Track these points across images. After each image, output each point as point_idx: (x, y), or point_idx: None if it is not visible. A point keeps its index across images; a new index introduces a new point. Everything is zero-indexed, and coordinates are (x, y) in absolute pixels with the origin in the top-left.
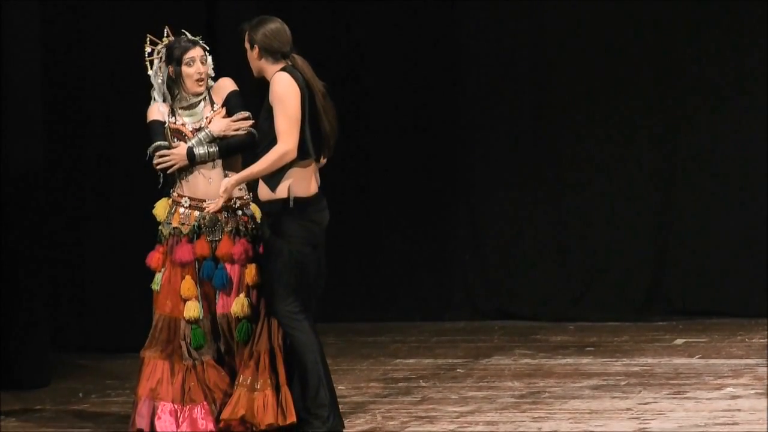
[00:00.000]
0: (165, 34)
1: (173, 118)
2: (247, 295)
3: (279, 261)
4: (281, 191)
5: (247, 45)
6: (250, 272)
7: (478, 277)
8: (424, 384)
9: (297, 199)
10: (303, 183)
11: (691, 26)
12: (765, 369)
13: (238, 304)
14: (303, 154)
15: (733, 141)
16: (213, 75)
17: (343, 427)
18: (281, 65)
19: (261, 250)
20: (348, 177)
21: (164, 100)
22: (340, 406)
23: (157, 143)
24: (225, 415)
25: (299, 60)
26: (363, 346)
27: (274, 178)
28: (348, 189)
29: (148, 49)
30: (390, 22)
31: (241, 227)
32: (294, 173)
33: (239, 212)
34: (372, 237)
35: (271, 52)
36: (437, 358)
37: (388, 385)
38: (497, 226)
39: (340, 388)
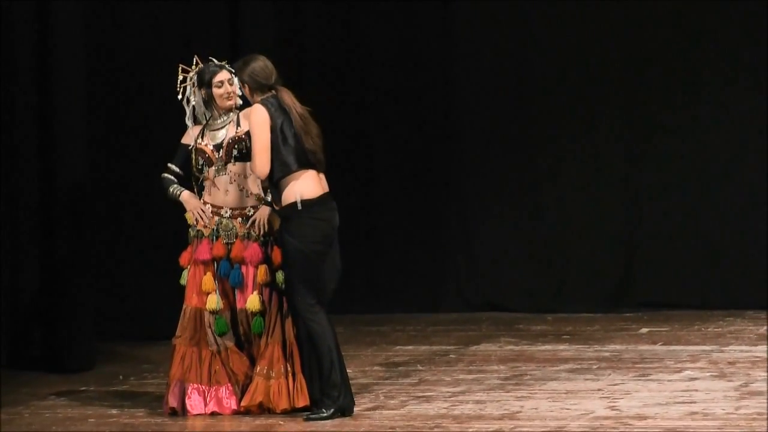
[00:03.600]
0: (194, 63)
1: (201, 139)
2: (260, 293)
3: (295, 260)
4: (290, 197)
5: (237, 85)
6: (261, 272)
7: (469, 274)
8: (420, 368)
9: (304, 201)
10: (308, 187)
11: (658, 40)
12: (719, 354)
13: (252, 301)
14: (288, 167)
15: (698, 143)
16: (240, 94)
17: (354, 405)
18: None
19: (273, 252)
20: (350, 184)
21: (195, 123)
22: None
23: (166, 176)
24: (245, 402)
25: (283, 91)
26: (367, 334)
27: (282, 189)
28: (351, 196)
29: (180, 77)
30: (386, 26)
31: (252, 232)
32: (298, 181)
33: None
34: (374, 239)
35: (259, 87)
36: (432, 345)
37: (389, 369)
38: (485, 229)
39: (348, 371)
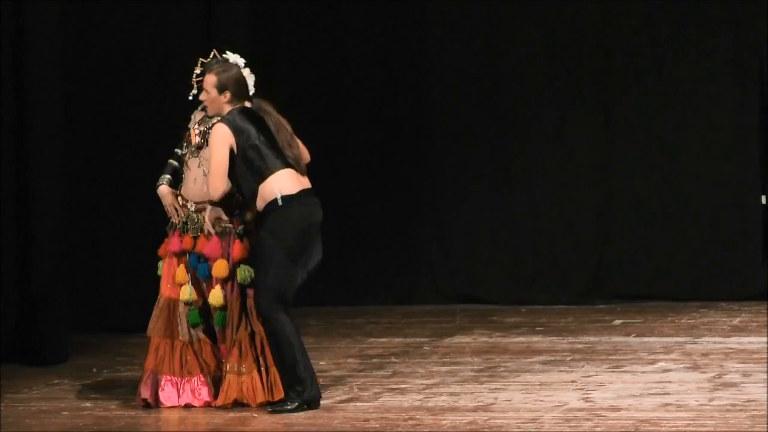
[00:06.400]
0: (212, 55)
1: (198, 124)
2: (222, 287)
3: (268, 258)
4: (269, 195)
5: (212, 89)
6: (219, 267)
7: (443, 267)
8: (395, 360)
9: (284, 197)
10: (286, 183)
11: (623, 28)
12: (692, 346)
13: (214, 295)
14: (265, 170)
15: (670, 136)
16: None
17: (320, 398)
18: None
19: (234, 247)
20: (324, 177)
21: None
22: (321, 379)
23: (170, 162)
24: (219, 402)
25: (262, 101)
26: (341, 326)
27: (260, 191)
28: (326, 188)
29: (197, 71)
30: (360, 22)
31: (216, 227)
32: (277, 178)
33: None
34: (349, 231)
35: (239, 94)
36: (407, 337)
37: (364, 361)
38: (459, 222)
39: (321, 364)
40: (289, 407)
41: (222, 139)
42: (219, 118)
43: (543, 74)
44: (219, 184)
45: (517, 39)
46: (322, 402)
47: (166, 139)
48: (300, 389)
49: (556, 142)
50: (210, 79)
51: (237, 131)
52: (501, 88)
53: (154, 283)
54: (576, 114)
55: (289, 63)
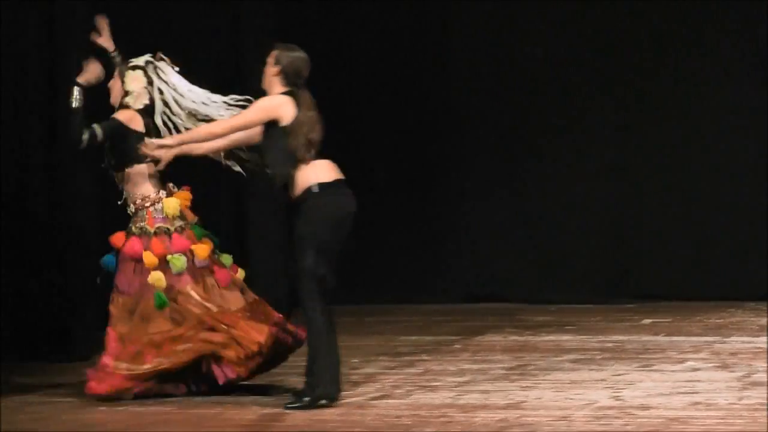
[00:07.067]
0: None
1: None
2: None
3: (304, 246)
4: (305, 182)
5: (271, 60)
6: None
7: (474, 267)
8: (426, 358)
9: (321, 184)
10: (322, 172)
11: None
12: (721, 345)
13: (152, 276)
14: (302, 158)
15: (696, 135)
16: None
17: (337, 394)
18: (285, 89)
19: (151, 245)
20: (353, 176)
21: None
22: (354, 376)
23: None
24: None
25: (305, 90)
26: (373, 325)
27: (296, 178)
28: (355, 187)
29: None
30: (390, 25)
31: (133, 228)
32: (311, 167)
33: (138, 213)
34: (383, 234)
35: (286, 76)
36: (438, 336)
37: (395, 359)
38: (489, 222)
39: (353, 361)
40: (302, 404)
41: (274, 107)
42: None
43: (563, 74)
44: (222, 131)
45: (538, 39)
46: (354, 399)
47: None
48: (314, 384)
49: (586, 142)
50: (272, 53)
51: (297, 108)
52: (523, 89)
53: None
54: (604, 114)
55: (316, 60)
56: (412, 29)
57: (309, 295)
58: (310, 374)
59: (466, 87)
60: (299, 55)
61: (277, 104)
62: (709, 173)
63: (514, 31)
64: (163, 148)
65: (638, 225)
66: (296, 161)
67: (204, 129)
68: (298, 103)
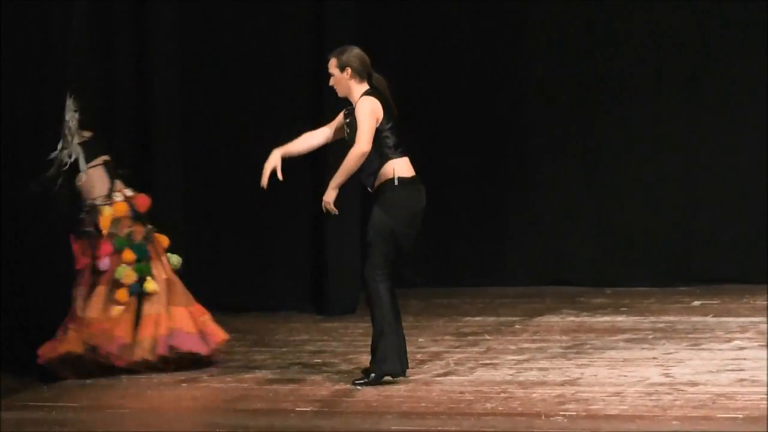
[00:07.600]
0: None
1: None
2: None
3: (378, 234)
4: (388, 173)
5: (335, 70)
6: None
7: (534, 251)
8: (488, 337)
9: (401, 179)
10: (404, 167)
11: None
12: (766, 325)
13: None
14: (387, 152)
15: (750, 122)
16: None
17: (405, 371)
18: (365, 86)
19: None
20: (425, 166)
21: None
22: (420, 355)
23: None
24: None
25: (380, 79)
26: (439, 306)
27: (381, 169)
28: (426, 176)
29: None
30: (466, 23)
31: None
32: (396, 161)
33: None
34: (447, 218)
35: (362, 71)
36: (499, 317)
37: (460, 338)
38: (550, 208)
39: (420, 340)
40: (369, 380)
41: (373, 111)
42: (364, 93)
43: (637, 66)
44: (368, 141)
45: (612, 37)
46: (420, 376)
47: (281, 136)
48: (381, 360)
49: (647, 128)
50: (332, 63)
51: (381, 107)
52: (595, 78)
53: (258, 264)
54: (664, 102)
55: (391, 59)
56: (489, 22)
57: (376, 278)
58: (376, 352)
59: (539, 76)
60: (354, 49)
61: (378, 107)
62: (760, 160)
63: (588, 31)
64: (329, 197)
65: (694, 214)
66: (385, 157)
67: (352, 157)
68: (382, 98)
